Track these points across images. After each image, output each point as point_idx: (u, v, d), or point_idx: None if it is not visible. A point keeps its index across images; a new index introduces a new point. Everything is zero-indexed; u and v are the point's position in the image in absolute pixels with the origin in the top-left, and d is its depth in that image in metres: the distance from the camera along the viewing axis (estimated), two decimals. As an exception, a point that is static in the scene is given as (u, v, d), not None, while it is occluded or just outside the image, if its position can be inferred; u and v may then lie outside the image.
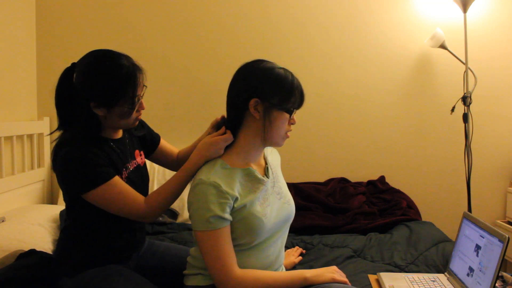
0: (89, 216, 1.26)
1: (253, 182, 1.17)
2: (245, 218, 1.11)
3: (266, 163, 1.27)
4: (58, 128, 1.26)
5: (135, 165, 1.36)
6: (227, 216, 1.08)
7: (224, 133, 1.18)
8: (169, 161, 1.53)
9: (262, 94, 1.11)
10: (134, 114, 1.25)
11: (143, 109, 1.28)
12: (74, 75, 1.22)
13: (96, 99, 1.18)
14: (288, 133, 1.19)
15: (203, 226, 1.07)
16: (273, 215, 1.17)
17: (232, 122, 1.17)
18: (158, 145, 1.50)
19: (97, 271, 1.25)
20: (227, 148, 1.18)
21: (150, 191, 1.33)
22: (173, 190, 1.20)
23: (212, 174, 1.10)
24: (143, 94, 1.26)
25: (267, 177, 1.22)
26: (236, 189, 1.11)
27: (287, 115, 1.15)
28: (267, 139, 1.16)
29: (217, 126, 1.27)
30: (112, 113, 1.21)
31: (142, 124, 1.46)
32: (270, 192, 1.21)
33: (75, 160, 1.16)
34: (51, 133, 1.27)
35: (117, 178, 1.20)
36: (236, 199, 1.10)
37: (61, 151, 1.19)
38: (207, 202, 1.06)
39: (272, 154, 1.34)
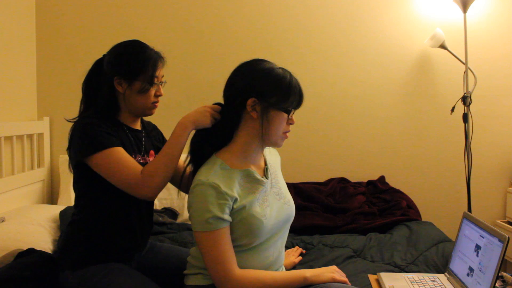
0: (96, 211, 1.29)
1: (252, 183, 1.16)
2: (244, 219, 1.11)
3: (265, 164, 1.26)
4: (80, 115, 1.34)
5: (147, 162, 1.37)
6: (227, 217, 1.08)
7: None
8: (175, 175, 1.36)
9: (260, 94, 1.11)
10: (152, 98, 1.33)
11: (161, 95, 1.36)
12: (104, 61, 1.34)
13: (119, 73, 1.29)
14: (287, 133, 1.19)
15: (203, 227, 1.07)
16: (273, 215, 1.17)
17: (230, 121, 1.17)
18: None
19: (99, 268, 1.25)
20: (226, 148, 1.18)
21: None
22: (165, 156, 1.20)
23: (211, 175, 1.09)
24: (162, 85, 1.36)
25: (267, 178, 1.22)
26: (235, 190, 1.11)
27: (285, 115, 1.14)
28: (265, 139, 1.15)
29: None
30: (131, 88, 1.29)
31: (155, 128, 1.54)
32: (270, 193, 1.20)
33: (86, 126, 1.24)
34: (74, 118, 1.35)
35: (121, 148, 1.24)
36: (235, 200, 1.10)
37: (76, 124, 1.28)
38: (206, 203, 1.06)
39: (272, 155, 1.34)
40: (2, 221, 1.76)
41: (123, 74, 1.29)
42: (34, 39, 2.47)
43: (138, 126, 1.41)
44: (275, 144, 1.19)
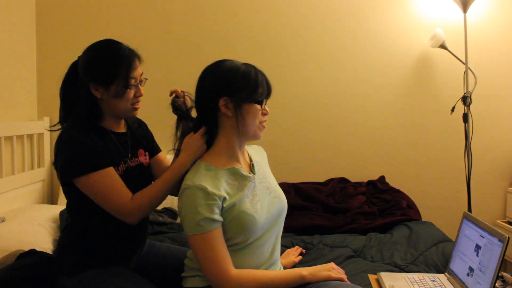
0: (89, 216, 1.26)
1: (240, 180, 1.17)
2: (236, 217, 1.12)
3: (251, 160, 1.28)
4: (60, 122, 1.29)
5: (137, 163, 1.36)
6: (217, 217, 1.09)
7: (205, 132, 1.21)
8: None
9: (230, 92, 1.14)
10: (132, 99, 1.27)
11: (141, 95, 1.30)
12: (79, 66, 1.28)
13: (94, 78, 1.24)
14: (263, 123, 1.20)
15: (195, 230, 1.08)
16: (264, 210, 1.18)
17: (208, 124, 1.19)
18: (154, 156, 1.48)
19: (97, 271, 1.25)
20: (209, 151, 1.20)
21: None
22: (159, 190, 1.22)
23: (197, 178, 1.10)
24: (142, 84, 1.30)
25: (253, 173, 1.23)
26: (222, 189, 1.11)
27: (258, 107, 1.17)
28: (243, 133, 1.17)
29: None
30: (108, 92, 1.24)
31: (140, 124, 1.47)
32: (259, 188, 1.21)
33: (73, 143, 1.19)
34: (54, 125, 1.32)
35: (110, 169, 1.21)
36: (224, 199, 1.11)
37: (62, 137, 1.22)
38: (195, 205, 1.07)
39: (256, 152, 1.36)
40: (2, 221, 1.76)
41: (98, 80, 1.24)
42: (34, 39, 2.47)
43: (122, 128, 1.36)
44: (254, 137, 1.20)
